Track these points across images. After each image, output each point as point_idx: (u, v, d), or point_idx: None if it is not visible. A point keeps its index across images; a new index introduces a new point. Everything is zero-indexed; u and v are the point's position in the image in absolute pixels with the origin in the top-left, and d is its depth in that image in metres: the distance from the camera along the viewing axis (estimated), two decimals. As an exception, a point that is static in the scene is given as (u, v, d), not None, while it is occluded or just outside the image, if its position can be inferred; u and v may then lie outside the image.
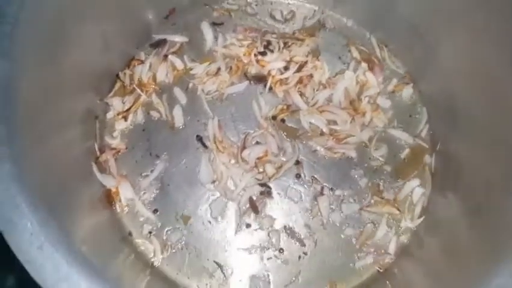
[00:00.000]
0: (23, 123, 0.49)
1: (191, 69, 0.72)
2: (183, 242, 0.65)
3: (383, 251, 0.64)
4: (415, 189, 0.66)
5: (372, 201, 0.66)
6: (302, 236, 0.65)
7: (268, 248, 0.65)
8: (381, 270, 0.63)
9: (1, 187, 0.43)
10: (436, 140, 0.67)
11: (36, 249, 0.43)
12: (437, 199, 0.64)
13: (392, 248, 0.64)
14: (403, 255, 0.63)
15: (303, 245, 0.64)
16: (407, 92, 0.71)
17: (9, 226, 0.43)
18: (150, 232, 0.65)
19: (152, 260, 0.64)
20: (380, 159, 0.68)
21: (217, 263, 0.64)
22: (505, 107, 0.52)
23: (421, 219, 0.64)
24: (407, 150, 0.68)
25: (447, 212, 0.61)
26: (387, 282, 0.61)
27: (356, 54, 0.73)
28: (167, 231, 0.65)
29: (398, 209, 0.66)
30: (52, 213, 0.46)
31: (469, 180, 0.58)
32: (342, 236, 0.65)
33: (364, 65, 0.72)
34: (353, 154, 0.68)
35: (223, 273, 0.63)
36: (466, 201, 0.57)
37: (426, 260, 0.59)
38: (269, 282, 0.63)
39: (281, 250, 0.64)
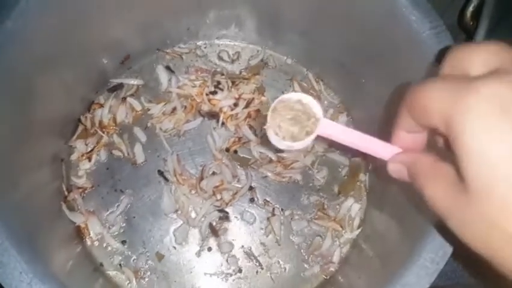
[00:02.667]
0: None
1: (148, 109, 0.82)
2: (151, 268, 0.74)
3: (326, 260, 0.76)
4: (353, 206, 0.78)
5: (318, 216, 0.78)
6: (258, 254, 0.76)
7: (229, 267, 0.75)
8: (327, 278, 0.75)
9: (-8, 235, 0.52)
10: (368, 161, 0.81)
11: (27, 286, 0.51)
12: (372, 211, 0.77)
13: (336, 257, 0.76)
14: (345, 263, 0.76)
15: (259, 261, 0.75)
16: (342, 119, 0.84)
17: (1, 268, 0.51)
18: (121, 262, 0.74)
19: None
20: (321, 180, 0.80)
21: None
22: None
23: (359, 230, 0.77)
24: (345, 171, 0.81)
25: (380, 221, 0.74)
26: (333, 288, 0.73)
27: (297, 88, 0.85)
28: (134, 259, 0.74)
29: (341, 226, 0.78)
30: (36, 251, 0.55)
31: (394, 193, 0.71)
32: (293, 249, 0.77)
33: (304, 97, 0.84)
34: (298, 177, 0.80)
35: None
36: (393, 211, 0.70)
37: (364, 266, 0.71)
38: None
39: (240, 268, 0.75)
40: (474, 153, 0.29)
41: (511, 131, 0.28)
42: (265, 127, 0.40)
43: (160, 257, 0.74)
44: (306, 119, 0.40)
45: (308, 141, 0.40)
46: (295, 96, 0.40)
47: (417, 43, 0.62)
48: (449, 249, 0.52)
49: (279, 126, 0.40)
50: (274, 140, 0.40)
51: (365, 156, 0.80)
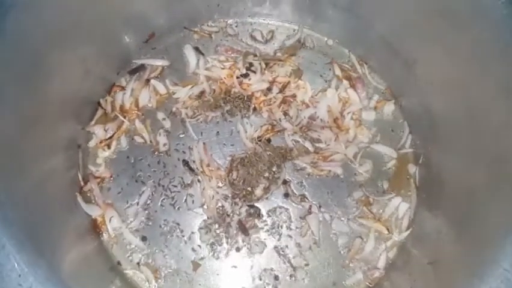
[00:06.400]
0: (2, 156, 0.51)
1: (174, 93, 0.76)
2: (174, 268, 0.67)
3: (370, 266, 0.68)
4: (400, 205, 0.71)
5: (361, 214, 0.71)
6: (293, 256, 0.68)
7: (259, 270, 0.68)
8: (371, 286, 0.67)
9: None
10: (419, 153, 0.73)
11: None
12: (422, 212, 0.69)
13: (381, 262, 0.68)
14: (392, 269, 0.68)
15: (294, 265, 0.68)
16: (389, 107, 0.76)
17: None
18: (140, 261, 0.68)
19: (145, 288, 0.66)
20: (365, 174, 0.72)
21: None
22: (480, 116, 0.58)
23: (408, 232, 0.69)
24: (391, 165, 0.73)
25: (432, 223, 0.66)
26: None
27: (337, 71, 0.78)
28: (153, 258, 0.68)
29: (386, 228, 0.70)
30: (40, 250, 0.49)
31: (452, 191, 0.63)
32: (333, 252, 0.69)
33: (345, 82, 0.77)
34: (339, 171, 0.72)
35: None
36: (450, 211, 0.62)
37: (415, 273, 0.63)
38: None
39: (272, 270, 0.68)
40: None
41: None
42: None
43: (195, 265, 0.68)
44: None
45: None
46: None
47: (487, 16, 0.54)
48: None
49: None
50: None
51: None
